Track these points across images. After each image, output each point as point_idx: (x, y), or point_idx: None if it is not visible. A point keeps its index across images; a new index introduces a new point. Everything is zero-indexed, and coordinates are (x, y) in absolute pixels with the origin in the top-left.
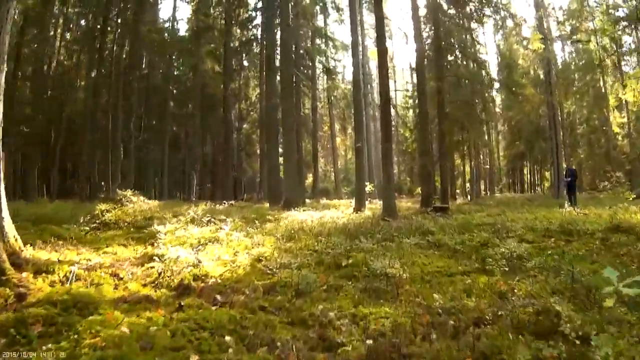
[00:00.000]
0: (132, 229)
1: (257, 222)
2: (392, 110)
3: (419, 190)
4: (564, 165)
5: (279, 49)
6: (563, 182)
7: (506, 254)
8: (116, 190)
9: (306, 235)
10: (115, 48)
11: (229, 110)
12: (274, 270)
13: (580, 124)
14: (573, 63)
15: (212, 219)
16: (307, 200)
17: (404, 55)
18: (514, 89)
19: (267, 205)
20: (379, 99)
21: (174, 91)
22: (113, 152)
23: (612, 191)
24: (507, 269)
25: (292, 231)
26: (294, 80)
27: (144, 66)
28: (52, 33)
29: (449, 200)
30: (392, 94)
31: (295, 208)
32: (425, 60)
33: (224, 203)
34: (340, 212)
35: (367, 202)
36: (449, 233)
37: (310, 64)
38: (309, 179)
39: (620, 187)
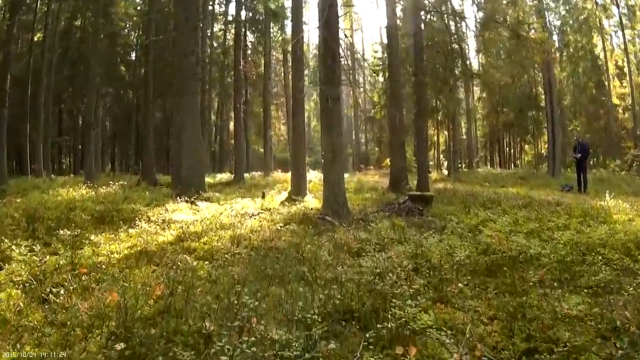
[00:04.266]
0: None
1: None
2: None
3: (388, 161)
4: (575, 138)
5: None
6: (572, 158)
7: None
8: None
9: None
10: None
11: (147, 63)
12: None
13: (573, 93)
14: (567, 24)
15: None
16: (256, 174)
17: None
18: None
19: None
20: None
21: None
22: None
23: (619, 170)
24: None
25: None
26: (236, 27)
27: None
28: None
29: (428, 181)
30: (358, 49)
31: (197, 194)
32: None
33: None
34: (260, 203)
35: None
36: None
37: (263, 17)
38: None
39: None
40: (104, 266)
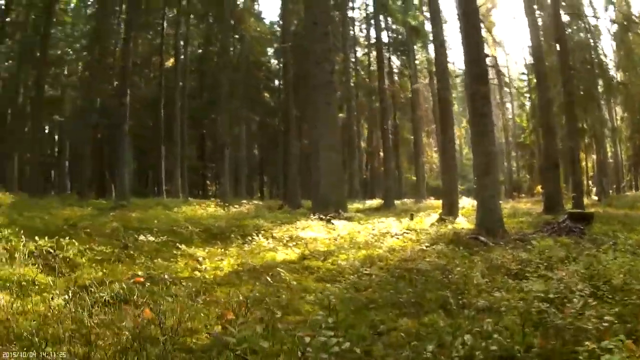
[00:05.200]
0: None
1: None
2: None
3: (539, 188)
4: None
5: None
6: None
7: None
8: None
9: None
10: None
11: (287, 84)
12: None
13: None
14: None
15: None
16: (408, 200)
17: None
18: None
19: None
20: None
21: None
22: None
23: None
24: None
25: None
26: (377, 48)
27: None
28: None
29: (583, 201)
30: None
31: (336, 213)
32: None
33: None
34: (407, 224)
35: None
36: None
37: (405, 38)
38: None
39: None
40: (166, 276)
